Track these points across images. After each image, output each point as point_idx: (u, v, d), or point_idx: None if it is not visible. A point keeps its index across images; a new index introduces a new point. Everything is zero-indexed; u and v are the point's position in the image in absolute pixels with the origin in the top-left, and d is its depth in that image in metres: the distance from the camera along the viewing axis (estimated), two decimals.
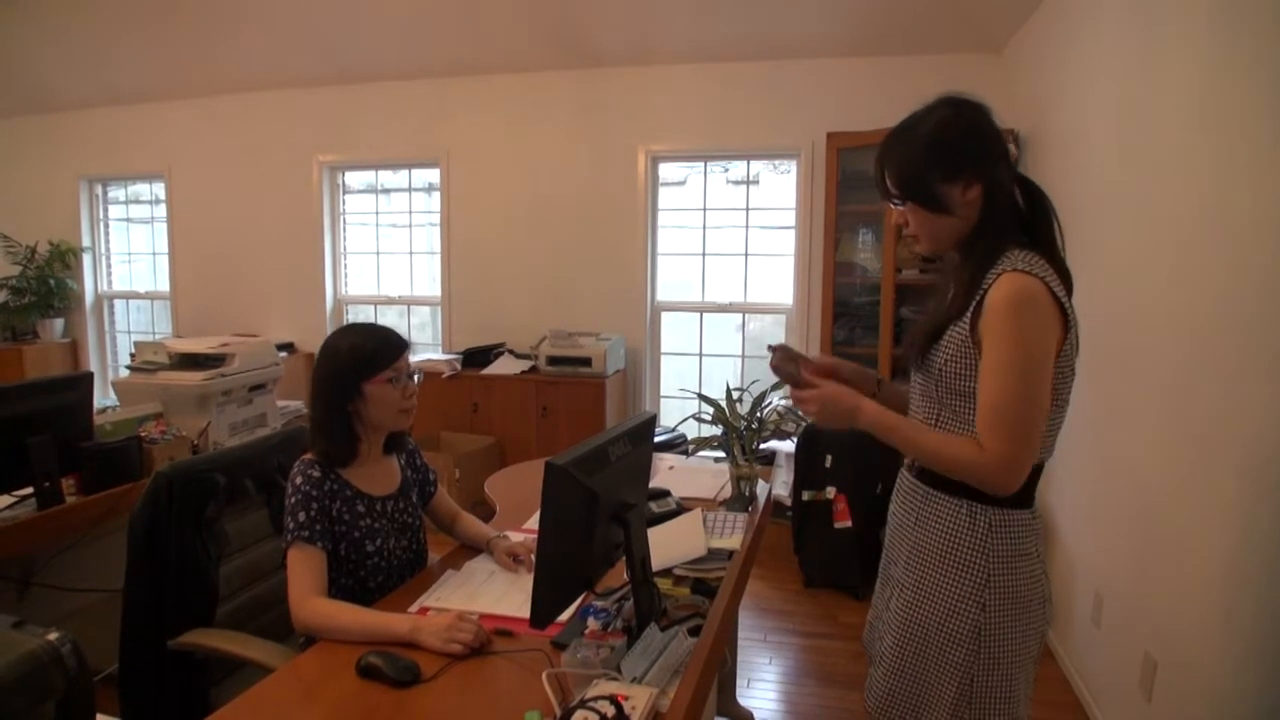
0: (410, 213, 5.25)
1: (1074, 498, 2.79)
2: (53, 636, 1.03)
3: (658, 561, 1.58)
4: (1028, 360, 1.21)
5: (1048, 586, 1.36)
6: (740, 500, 2.12)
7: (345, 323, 5.01)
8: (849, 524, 3.43)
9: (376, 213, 5.34)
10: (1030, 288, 1.21)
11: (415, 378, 1.74)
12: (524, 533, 1.94)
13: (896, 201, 1.36)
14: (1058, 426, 1.33)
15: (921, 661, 1.36)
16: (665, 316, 4.83)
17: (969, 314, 1.28)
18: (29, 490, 2.22)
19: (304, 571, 1.54)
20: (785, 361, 1.50)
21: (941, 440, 1.31)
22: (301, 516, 1.58)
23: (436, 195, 5.05)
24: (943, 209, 1.31)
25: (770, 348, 1.53)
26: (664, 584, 1.63)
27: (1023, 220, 1.33)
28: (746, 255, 4.66)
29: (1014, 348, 1.21)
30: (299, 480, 1.62)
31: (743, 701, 2.62)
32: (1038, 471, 1.33)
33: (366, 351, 1.66)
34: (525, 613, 1.32)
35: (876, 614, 1.54)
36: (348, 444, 1.68)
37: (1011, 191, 1.33)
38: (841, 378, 1.51)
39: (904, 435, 1.34)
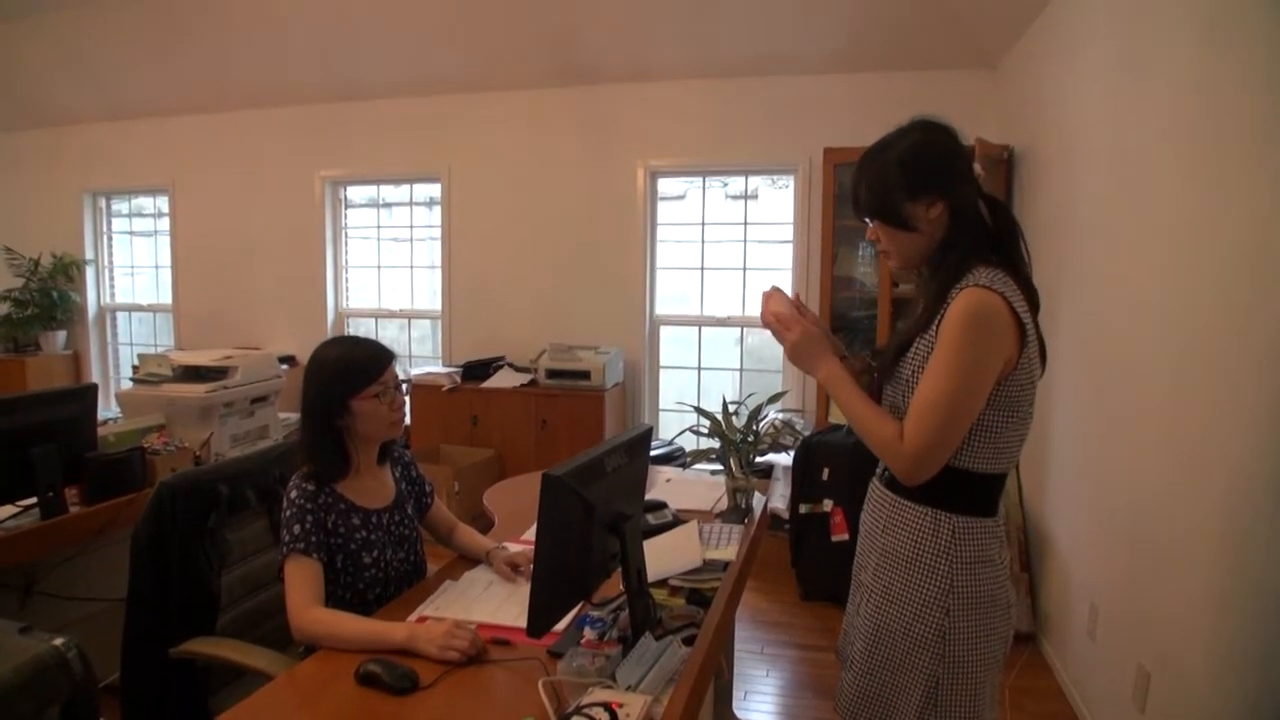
0: (411, 227, 5.31)
1: (1069, 511, 2.80)
2: (58, 642, 1.05)
3: (653, 572, 1.61)
4: (967, 369, 1.26)
5: (1011, 592, 1.40)
6: (736, 512, 2.14)
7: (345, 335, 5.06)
8: (846, 537, 3.43)
9: (378, 226, 5.40)
10: (988, 303, 1.27)
11: (403, 388, 1.76)
12: (522, 543, 1.96)
13: (868, 219, 1.42)
14: (1021, 438, 1.37)
15: (889, 665, 1.40)
16: (664, 330, 4.86)
17: (934, 326, 1.32)
18: (33, 500, 2.25)
19: (301, 582, 1.56)
20: (785, 303, 1.52)
21: (873, 415, 1.37)
22: (297, 529, 1.60)
23: (437, 210, 5.10)
24: (907, 226, 1.36)
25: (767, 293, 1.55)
26: (660, 594, 1.66)
27: (991, 238, 1.38)
28: (745, 269, 4.70)
29: (957, 356, 1.26)
30: (294, 494, 1.64)
31: (740, 713, 2.63)
32: (1000, 481, 1.38)
33: (353, 366, 1.69)
34: (522, 623, 1.35)
35: (849, 620, 1.57)
36: (340, 460, 1.70)
37: (977, 210, 1.38)
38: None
39: (845, 398, 1.40)
